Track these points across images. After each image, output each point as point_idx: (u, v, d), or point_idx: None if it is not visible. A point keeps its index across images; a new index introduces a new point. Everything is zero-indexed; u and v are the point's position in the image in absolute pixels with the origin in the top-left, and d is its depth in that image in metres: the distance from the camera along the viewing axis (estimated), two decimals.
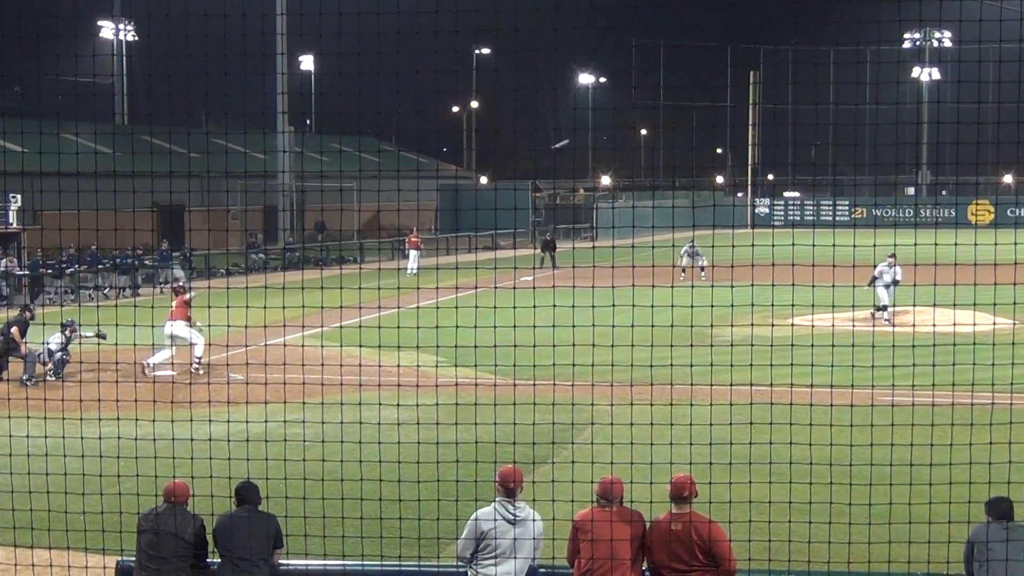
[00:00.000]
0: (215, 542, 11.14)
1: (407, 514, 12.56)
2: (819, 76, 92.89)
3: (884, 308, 33.79)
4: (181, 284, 29.45)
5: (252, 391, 18.01)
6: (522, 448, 14.02)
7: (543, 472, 16.16)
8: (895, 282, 33.82)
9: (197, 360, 26.98)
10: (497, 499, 10.73)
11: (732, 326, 26.85)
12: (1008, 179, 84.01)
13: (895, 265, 33.74)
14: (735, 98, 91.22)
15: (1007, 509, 10.37)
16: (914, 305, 32.89)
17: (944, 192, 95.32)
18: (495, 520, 10.59)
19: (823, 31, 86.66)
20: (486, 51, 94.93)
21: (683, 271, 45.13)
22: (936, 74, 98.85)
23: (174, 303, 27.48)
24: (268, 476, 12.00)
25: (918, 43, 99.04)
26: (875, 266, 33.39)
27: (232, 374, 24.59)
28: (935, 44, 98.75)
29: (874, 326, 30.95)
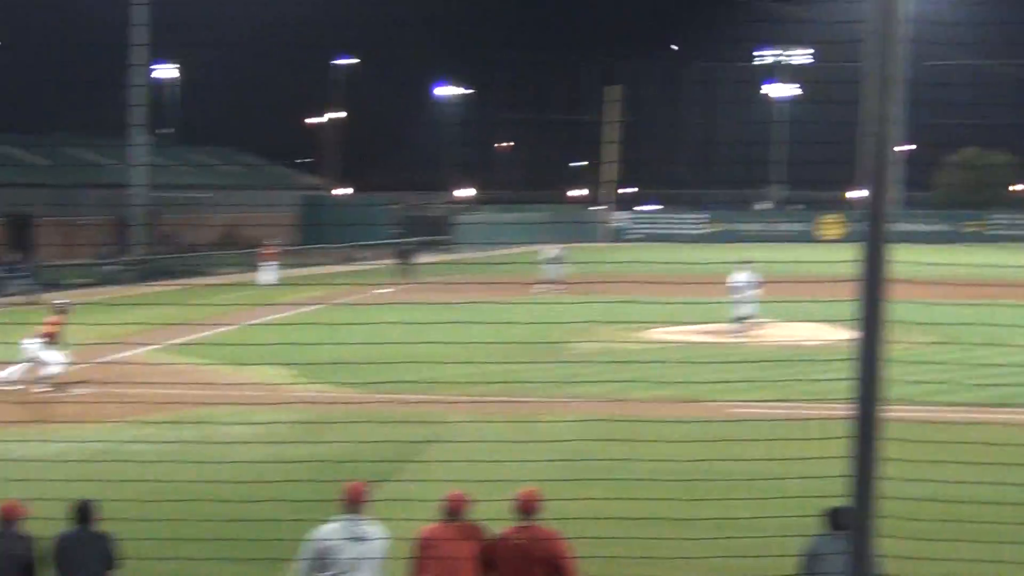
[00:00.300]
0: (51, 563, 10.81)
1: (249, 534, 12.32)
2: (679, 93, 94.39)
3: (743, 319, 34.00)
4: (64, 304, 28.00)
5: (95, 408, 17.58)
6: (369, 465, 13.88)
7: (390, 489, 16.00)
8: (754, 289, 33.97)
9: (45, 379, 26.10)
10: (341, 516, 10.58)
11: (581, 341, 26.97)
12: (853, 195, 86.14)
13: (751, 273, 33.99)
14: (596, 113, 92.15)
15: (843, 520, 10.49)
16: (764, 319, 33.43)
17: (802, 207, 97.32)
18: (338, 538, 10.44)
19: (684, 49, 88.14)
20: (350, 62, 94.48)
21: (540, 284, 44.96)
22: (791, 91, 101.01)
23: (44, 322, 26.36)
24: (106, 496, 11.68)
25: (773, 61, 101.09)
26: (730, 277, 33.71)
27: (75, 390, 23.95)
28: (789, 62, 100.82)
29: (729, 340, 31.37)
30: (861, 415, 4.22)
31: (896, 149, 4.15)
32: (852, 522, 4.44)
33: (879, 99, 3.97)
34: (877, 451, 4.22)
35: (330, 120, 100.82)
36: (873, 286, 4.10)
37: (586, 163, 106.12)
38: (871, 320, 4.13)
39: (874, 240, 4.12)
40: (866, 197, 4.13)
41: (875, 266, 4.09)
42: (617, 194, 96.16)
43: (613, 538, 12.17)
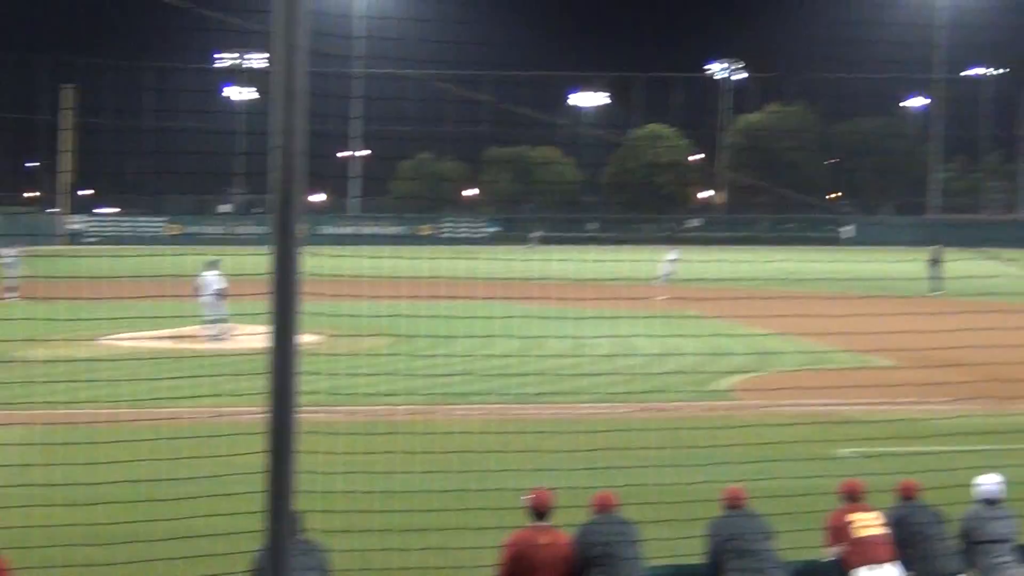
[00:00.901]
0: None
1: None
2: (136, 96, 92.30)
3: (216, 321, 33.36)
4: None
5: None
6: None
7: None
8: (221, 291, 33.41)
9: None
10: None
11: (32, 352, 25.81)
12: (315, 198, 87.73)
13: (219, 276, 33.51)
14: (52, 113, 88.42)
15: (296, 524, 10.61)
16: (235, 324, 33.10)
17: (262, 210, 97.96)
18: None
19: (142, 51, 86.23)
20: None
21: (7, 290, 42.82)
22: (250, 95, 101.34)
23: None
24: None
25: (232, 66, 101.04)
26: (198, 281, 33.22)
27: None
28: (250, 66, 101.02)
29: (197, 345, 30.89)
30: (275, 421, 4.28)
31: (305, 158, 4.19)
32: (267, 530, 4.42)
33: (284, 111, 4.01)
34: (291, 456, 4.28)
35: None
36: (284, 292, 4.19)
37: (40, 164, 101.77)
38: (282, 324, 4.23)
39: (282, 247, 4.21)
40: (273, 206, 4.20)
41: (285, 272, 4.18)
42: (74, 196, 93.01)
43: (57, 567, 11.74)
